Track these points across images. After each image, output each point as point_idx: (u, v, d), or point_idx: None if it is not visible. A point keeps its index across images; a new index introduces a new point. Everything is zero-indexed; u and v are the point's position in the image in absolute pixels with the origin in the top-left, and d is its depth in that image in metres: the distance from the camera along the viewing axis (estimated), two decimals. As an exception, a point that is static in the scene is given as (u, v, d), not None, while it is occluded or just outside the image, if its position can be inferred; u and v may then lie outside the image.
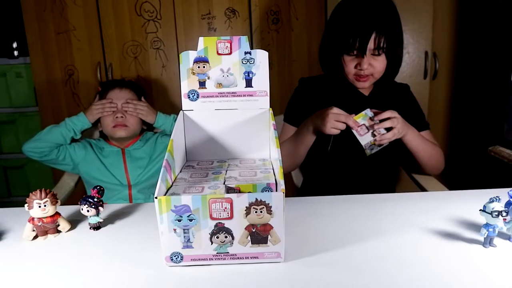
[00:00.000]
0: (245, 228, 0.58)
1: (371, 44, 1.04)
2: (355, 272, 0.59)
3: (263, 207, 0.57)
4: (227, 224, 0.58)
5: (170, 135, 1.43)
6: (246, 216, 0.57)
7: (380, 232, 0.71)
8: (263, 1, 1.89)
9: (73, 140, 1.40)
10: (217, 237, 0.59)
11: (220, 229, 0.58)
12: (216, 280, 0.58)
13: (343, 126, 1.03)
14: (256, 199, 0.56)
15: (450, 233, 0.70)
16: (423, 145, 1.10)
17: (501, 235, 0.67)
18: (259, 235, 0.59)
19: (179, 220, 0.58)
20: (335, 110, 1.03)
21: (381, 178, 1.23)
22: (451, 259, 0.61)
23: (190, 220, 0.58)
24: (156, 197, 0.57)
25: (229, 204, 0.57)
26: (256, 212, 0.57)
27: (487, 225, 0.63)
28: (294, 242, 0.67)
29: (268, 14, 1.91)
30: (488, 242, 0.64)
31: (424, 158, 1.13)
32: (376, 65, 1.08)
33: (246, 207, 0.57)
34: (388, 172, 1.26)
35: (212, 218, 0.58)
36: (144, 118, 1.42)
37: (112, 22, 1.91)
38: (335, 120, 1.02)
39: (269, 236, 0.59)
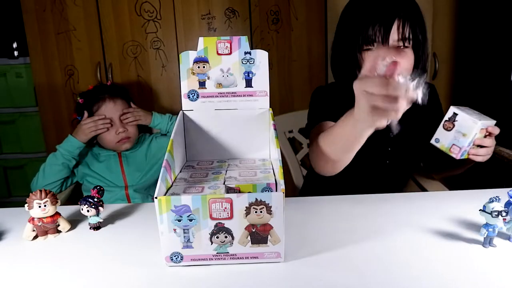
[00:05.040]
0: (245, 228, 0.58)
1: (394, 35, 0.88)
2: (355, 272, 0.59)
3: (263, 207, 0.57)
4: (227, 224, 0.58)
5: (166, 134, 1.46)
6: (246, 216, 0.57)
7: (380, 232, 0.71)
8: (263, 1, 1.89)
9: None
10: (217, 237, 0.59)
11: (220, 229, 0.58)
12: (216, 280, 0.58)
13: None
14: (256, 199, 0.56)
15: (450, 233, 0.70)
16: None
17: (501, 235, 0.67)
18: (259, 235, 0.59)
19: (179, 220, 0.58)
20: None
21: (389, 182, 1.15)
22: (451, 259, 0.61)
23: (190, 220, 0.58)
24: (156, 197, 0.57)
25: (229, 204, 0.57)
26: (256, 212, 0.57)
27: (487, 225, 0.63)
28: (294, 242, 0.67)
29: (268, 14, 1.91)
30: (488, 242, 0.64)
31: None
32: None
33: (246, 207, 0.57)
34: (399, 175, 1.16)
35: (212, 218, 0.58)
36: (143, 123, 1.40)
37: (112, 22, 1.91)
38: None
39: (269, 236, 0.59)
